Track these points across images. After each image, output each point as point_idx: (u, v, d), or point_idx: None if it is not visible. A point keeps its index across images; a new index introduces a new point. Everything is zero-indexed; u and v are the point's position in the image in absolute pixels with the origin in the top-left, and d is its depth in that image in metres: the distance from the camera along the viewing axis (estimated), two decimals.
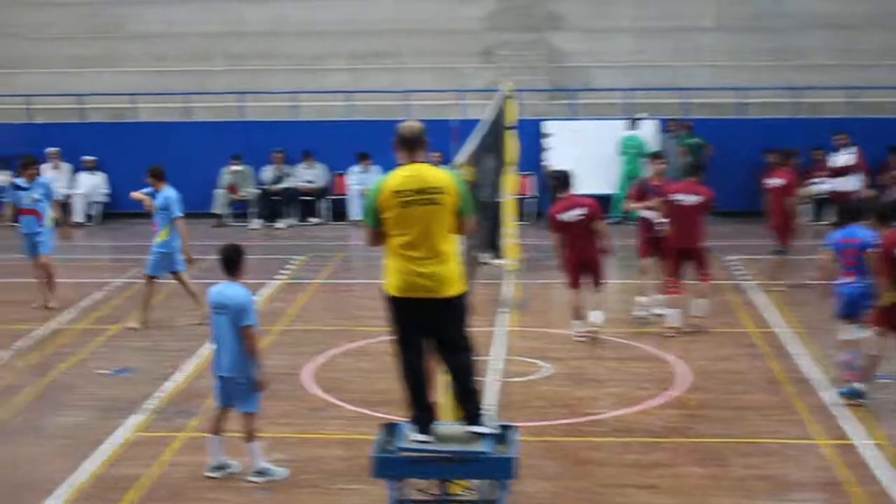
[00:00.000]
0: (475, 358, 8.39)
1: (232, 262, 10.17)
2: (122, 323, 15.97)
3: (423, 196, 8.05)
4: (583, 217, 14.38)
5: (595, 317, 14.64)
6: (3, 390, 13.13)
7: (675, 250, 14.97)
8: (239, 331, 9.99)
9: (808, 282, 17.02)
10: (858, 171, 23.03)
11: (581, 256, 14.51)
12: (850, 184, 22.60)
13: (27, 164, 16.91)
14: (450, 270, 8.14)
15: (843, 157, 23.18)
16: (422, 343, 8.29)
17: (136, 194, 15.93)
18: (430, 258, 8.08)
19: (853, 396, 11.96)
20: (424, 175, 8.12)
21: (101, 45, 28.46)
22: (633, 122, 24.16)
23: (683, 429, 11.64)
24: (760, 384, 13.04)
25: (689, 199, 14.89)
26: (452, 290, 8.15)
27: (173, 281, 16.04)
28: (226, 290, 10.11)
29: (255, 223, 24.34)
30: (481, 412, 8.35)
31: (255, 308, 10.19)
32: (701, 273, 15.07)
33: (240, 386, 10.11)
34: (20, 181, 16.77)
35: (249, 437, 10.26)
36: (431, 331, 8.25)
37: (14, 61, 28.22)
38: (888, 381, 12.52)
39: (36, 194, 16.59)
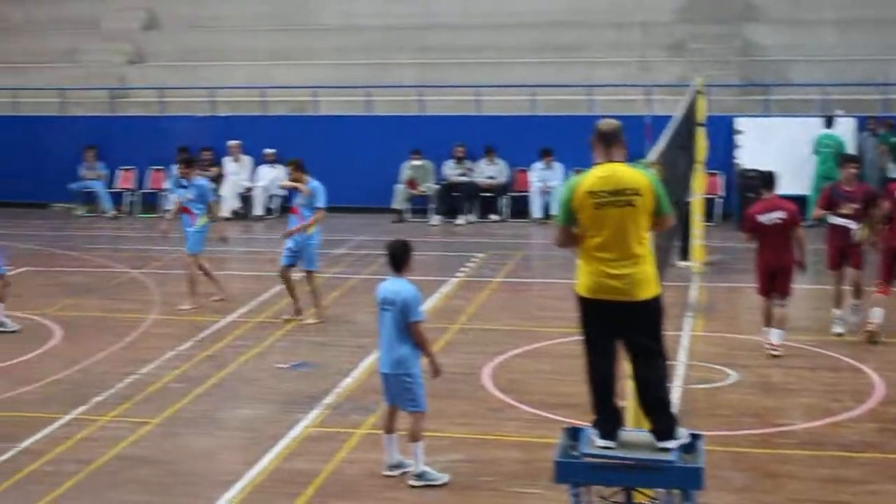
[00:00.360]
0: (668, 366, 8.03)
1: (399, 258, 10.00)
2: (299, 317, 15.97)
3: (619, 198, 7.79)
4: (782, 221, 13.72)
5: (774, 336, 13.96)
6: (184, 381, 13.25)
7: (892, 251, 14.26)
8: (406, 327, 9.83)
9: None
10: None
11: (773, 263, 13.86)
12: None
13: (184, 162, 17.17)
14: (644, 273, 7.85)
15: None
16: (612, 346, 8.01)
17: (287, 183, 16.02)
18: (624, 260, 7.81)
19: None
20: (620, 176, 7.85)
21: (287, 37, 28.76)
22: (829, 119, 23.21)
23: (880, 444, 11.04)
24: None
25: None
26: (646, 292, 7.85)
27: (352, 276, 15.90)
28: (392, 285, 9.96)
29: (435, 219, 24.21)
30: (674, 425, 7.98)
31: (421, 303, 9.99)
32: None
33: (403, 383, 9.95)
34: (182, 179, 17.00)
35: (413, 436, 10.06)
36: (622, 335, 7.95)
37: (201, 54, 28.76)
38: None
39: (190, 194, 16.76)
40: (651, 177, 8.05)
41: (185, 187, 16.84)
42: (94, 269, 19.70)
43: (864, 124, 23.59)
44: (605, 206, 7.80)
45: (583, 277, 7.96)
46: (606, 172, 7.89)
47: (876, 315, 14.29)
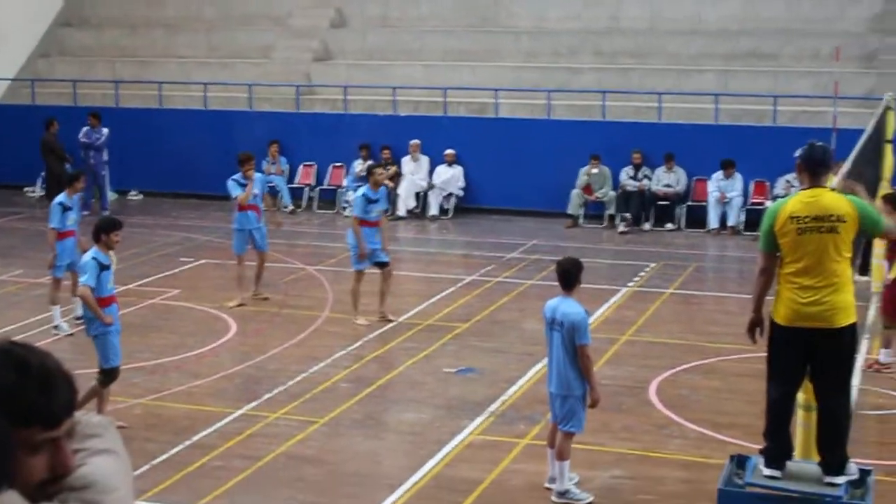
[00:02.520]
0: (849, 403, 7.87)
1: (570, 276, 9.86)
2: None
3: (822, 223, 7.68)
4: None
5: (882, 355, 13.64)
6: (352, 382, 13.41)
7: None
8: (574, 349, 9.70)
9: None
10: None
11: None
12: None
13: (241, 160, 16.84)
14: (843, 300, 7.78)
15: None
16: (799, 376, 7.91)
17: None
18: (824, 287, 7.70)
19: None
20: (825, 202, 7.77)
21: (473, 38, 28.79)
22: None
23: None
24: None
25: None
26: (844, 320, 7.79)
27: (523, 280, 15.77)
28: (561, 306, 9.82)
29: (622, 226, 23.81)
30: (845, 460, 7.80)
31: (589, 326, 9.86)
32: None
33: (565, 403, 9.84)
34: (239, 177, 16.82)
35: (560, 455, 9.96)
36: (813, 364, 7.82)
37: (386, 53, 29.04)
38: None
39: (256, 190, 16.81)
40: (856, 202, 7.91)
41: (243, 185, 16.75)
42: (270, 264, 19.86)
43: None
44: (807, 232, 7.71)
45: (780, 305, 7.88)
46: (811, 198, 7.81)
47: None
